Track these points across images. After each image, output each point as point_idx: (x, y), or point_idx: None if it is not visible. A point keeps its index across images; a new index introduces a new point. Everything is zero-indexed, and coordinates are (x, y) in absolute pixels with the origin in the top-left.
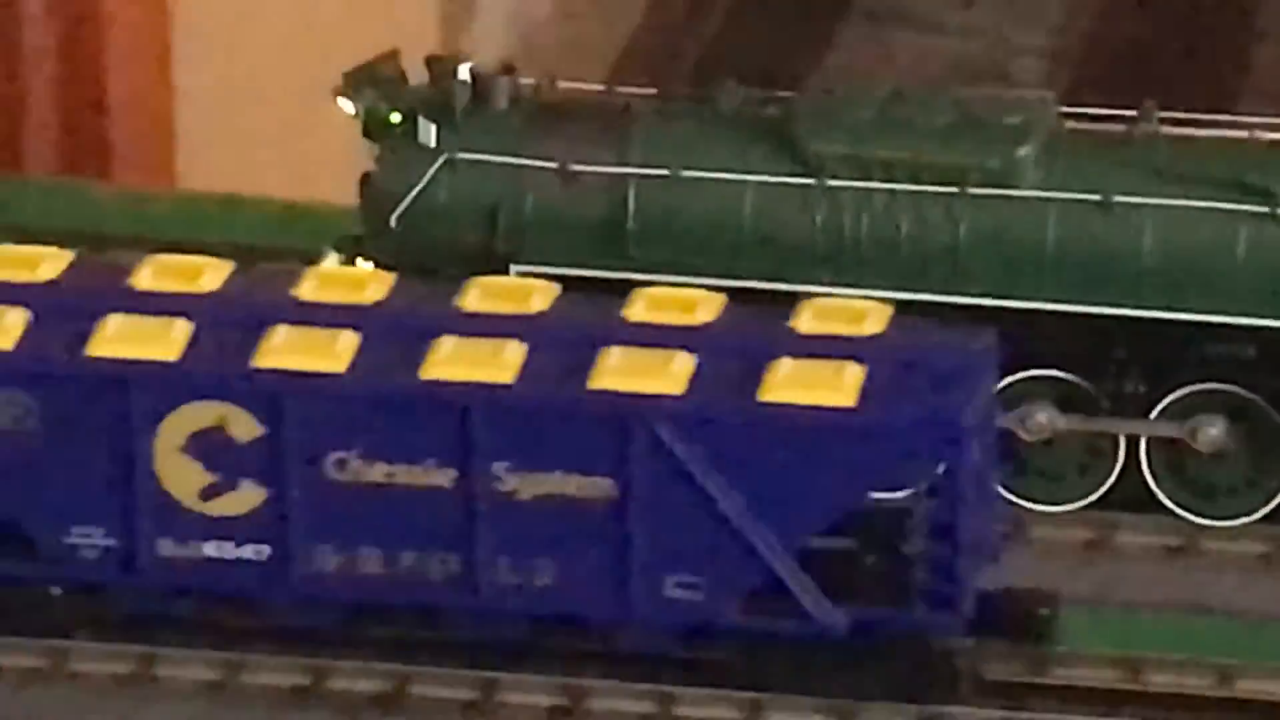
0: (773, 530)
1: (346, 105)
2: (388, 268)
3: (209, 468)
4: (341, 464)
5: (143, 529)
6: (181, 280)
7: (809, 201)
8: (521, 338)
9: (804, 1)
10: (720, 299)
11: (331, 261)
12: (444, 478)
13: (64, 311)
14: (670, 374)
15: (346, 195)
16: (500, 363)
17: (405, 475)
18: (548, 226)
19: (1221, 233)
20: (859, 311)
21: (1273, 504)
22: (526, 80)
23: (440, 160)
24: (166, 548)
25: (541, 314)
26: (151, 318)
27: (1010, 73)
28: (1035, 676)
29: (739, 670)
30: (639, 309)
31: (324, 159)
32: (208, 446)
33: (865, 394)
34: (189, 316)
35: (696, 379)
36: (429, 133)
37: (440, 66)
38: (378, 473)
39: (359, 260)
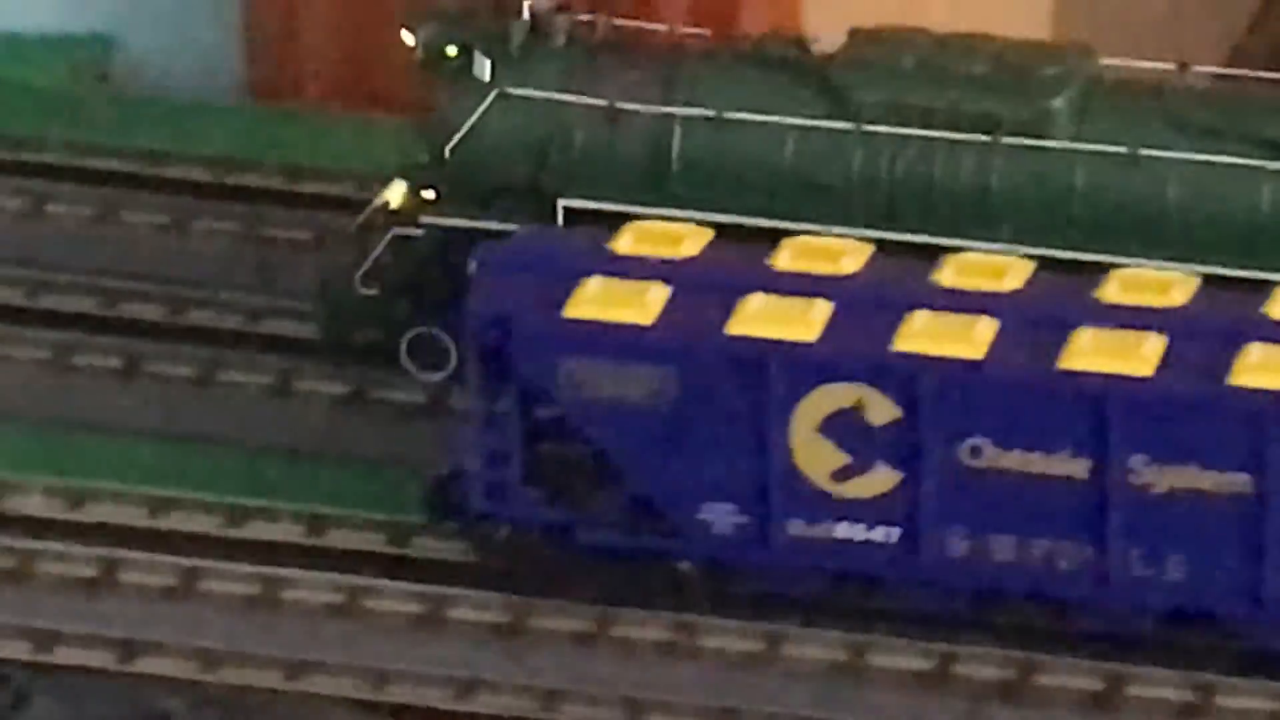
0: None
1: (407, 37)
2: (442, 197)
3: (844, 449)
4: (976, 450)
5: (775, 507)
6: (821, 261)
7: (847, 146)
8: (1162, 330)
9: None
10: None
11: (398, 189)
12: (1078, 468)
13: (704, 289)
14: None
15: None
16: (1140, 355)
17: (1039, 464)
18: (595, 163)
19: (1244, 188)
20: None
21: None
22: (584, 18)
23: (493, 95)
24: (797, 527)
25: (1183, 307)
26: (791, 298)
27: None
28: None
29: None
30: None
31: None
32: (843, 428)
33: None
34: (829, 297)
35: None
36: (484, 67)
37: (504, 2)
38: (1012, 460)
39: (422, 190)
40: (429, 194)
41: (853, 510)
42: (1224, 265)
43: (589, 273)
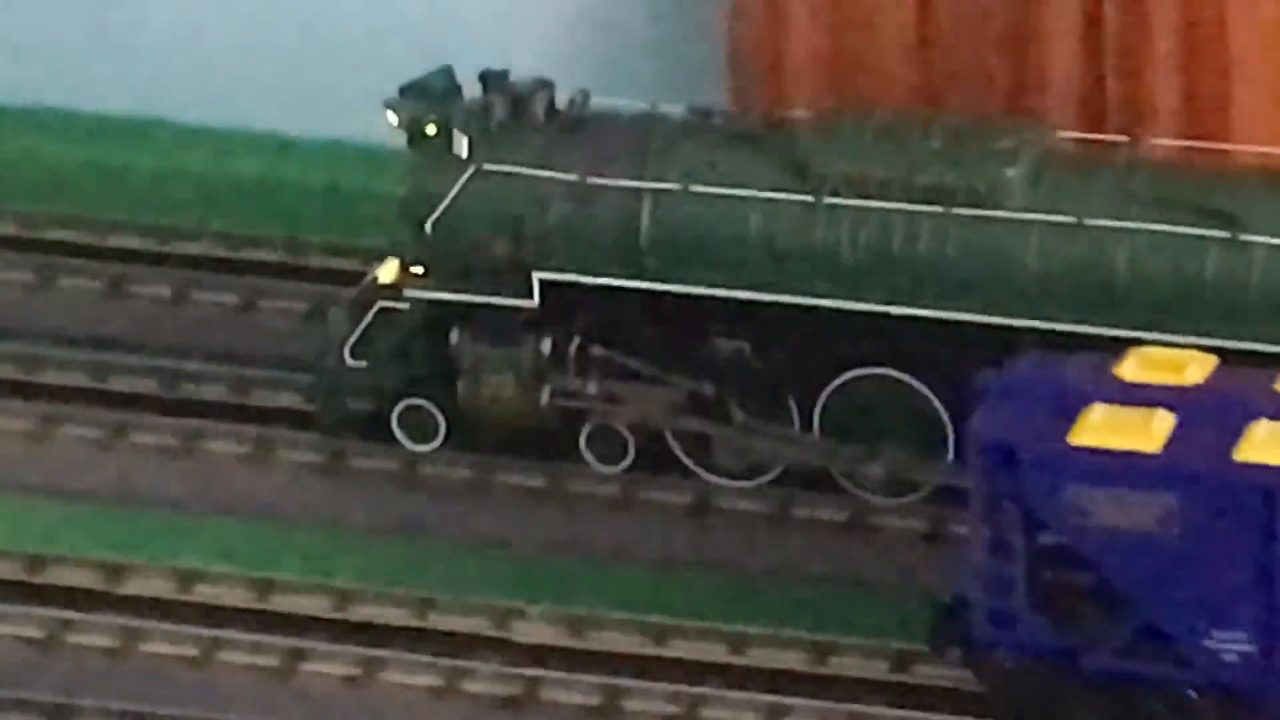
0: None
1: (390, 116)
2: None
3: None
4: None
5: None
6: None
7: (810, 218)
8: None
9: None
10: None
11: (391, 265)
12: None
13: (1211, 415)
14: None
15: None
16: None
17: None
18: (568, 237)
19: (1188, 257)
20: None
21: None
22: (563, 96)
23: (470, 171)
24: None
25: None
26: None
27: None
28: None
29: None
30: None
31: None
32: None
33: None
34: None
35: None
36: (462, 144)
37: (489, 80)
38: None
39: (413, 266)
40: (418, 269)
41: None
42: (1171, 333)
43: (1094, 399)
